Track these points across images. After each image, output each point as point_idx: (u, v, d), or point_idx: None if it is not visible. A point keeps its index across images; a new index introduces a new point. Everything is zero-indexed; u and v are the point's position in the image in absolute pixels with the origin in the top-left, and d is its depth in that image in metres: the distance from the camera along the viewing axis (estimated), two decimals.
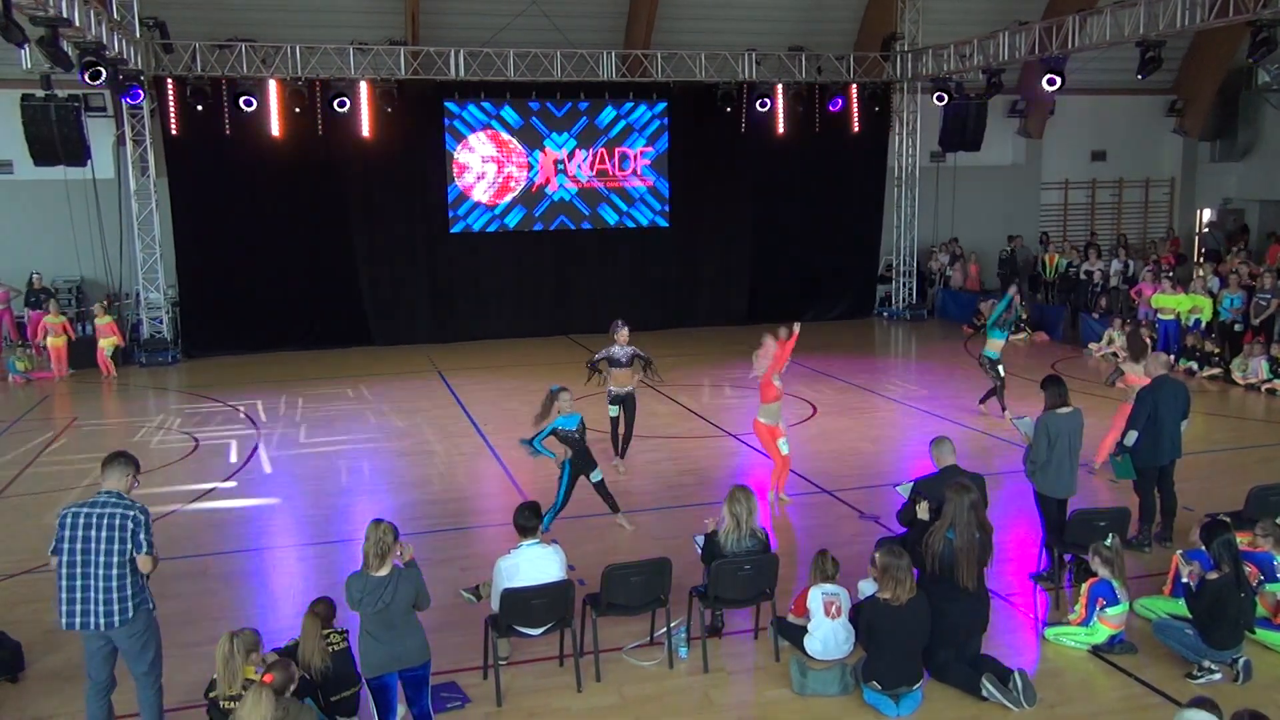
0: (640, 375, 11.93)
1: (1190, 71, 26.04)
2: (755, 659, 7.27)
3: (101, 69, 15.21)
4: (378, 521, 5.99)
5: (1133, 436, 9.07)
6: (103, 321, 18.45)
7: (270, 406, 15.54)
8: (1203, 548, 7.45)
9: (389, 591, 5.83)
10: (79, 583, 5.85)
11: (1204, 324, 17.46)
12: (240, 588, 8.70)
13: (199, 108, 18.89)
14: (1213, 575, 6.97)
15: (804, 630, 7.27)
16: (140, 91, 18.10)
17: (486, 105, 21.04)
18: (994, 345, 13.73)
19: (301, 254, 20.30)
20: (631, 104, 21.82)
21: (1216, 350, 16.83)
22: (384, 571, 5.87)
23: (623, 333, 11.89)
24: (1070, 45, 18.36)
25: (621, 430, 11.95)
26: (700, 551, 7.60)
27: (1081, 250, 22.40)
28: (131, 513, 5.92)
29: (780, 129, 22.17)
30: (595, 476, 9.83)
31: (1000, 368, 13.81)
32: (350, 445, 13.35)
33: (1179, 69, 26.13)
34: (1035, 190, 26.40)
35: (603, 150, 21.90)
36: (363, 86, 19.48)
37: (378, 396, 16.30)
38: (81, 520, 5.88)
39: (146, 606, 6.08)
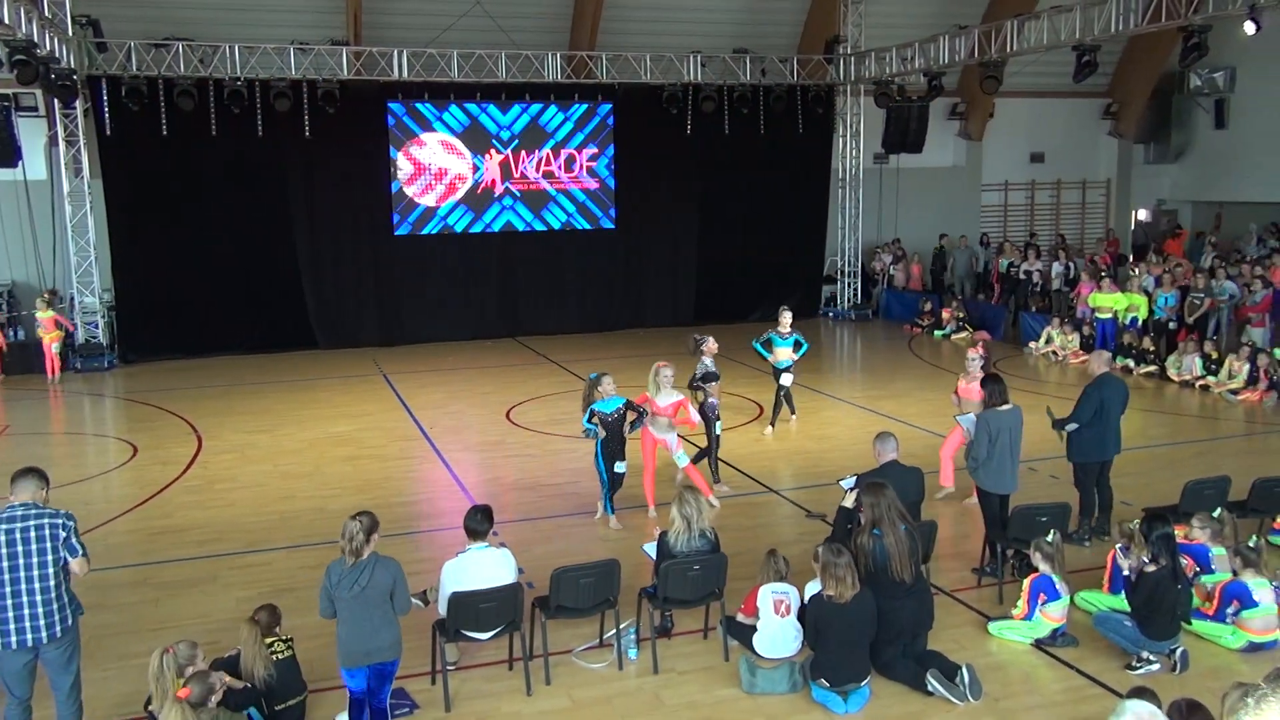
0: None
1: (1125, 75, 26.62)
2: (704, 659, 7.31)
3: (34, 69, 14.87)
4: (354, 516, 6.05)
5: (1072, 426, 9.26)
6: (45, 316, 17.95)
7: (211, 411, 15.30)
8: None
9: (365, 574, 5.88)
10: (9, 600, 5.69)
11: (1140, 322, 17.87)
12: (182, 597, 8.55)
13: (134, 108, 18.53)
14: (1150, 568, 7.13)
15: (753, 629, 7.33)
16: (76, 103, 17.79)
17: (430, 106, 20.90)
18: (781, 355, 13.19)
19: (242, 256, 19.99)
20: (577, 105, 21.80)
21: (1152, 348, 17.22)
22: (360, 560, 5.95)
23: (710, 343, 11.42)
24: (1009, 49, 18.70)
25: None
26: (652, 557, 7.62)
27: (1022, 250, 22.79)
28: (59, 519, 5.80)
29: (726, 130, 22.29)
30: (619, 468, 9.86)
31: (785, 377, 13.21)
32: (294, 450, 13.20)
33: (1114, 73, 26.70)
34: (976, 191, 26.82)
35: (548, 152, 21.85)
36: (303, 87, 19.25)
37: (322, 400, 16.12)
38: (3, 537, 5.70)
39: (79, 615, 5.98)
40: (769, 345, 13.22)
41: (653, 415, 10.19)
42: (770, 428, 13.44)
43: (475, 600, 6.66)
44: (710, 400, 11.10)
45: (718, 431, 11.22)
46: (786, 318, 13.25)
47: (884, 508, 6.86)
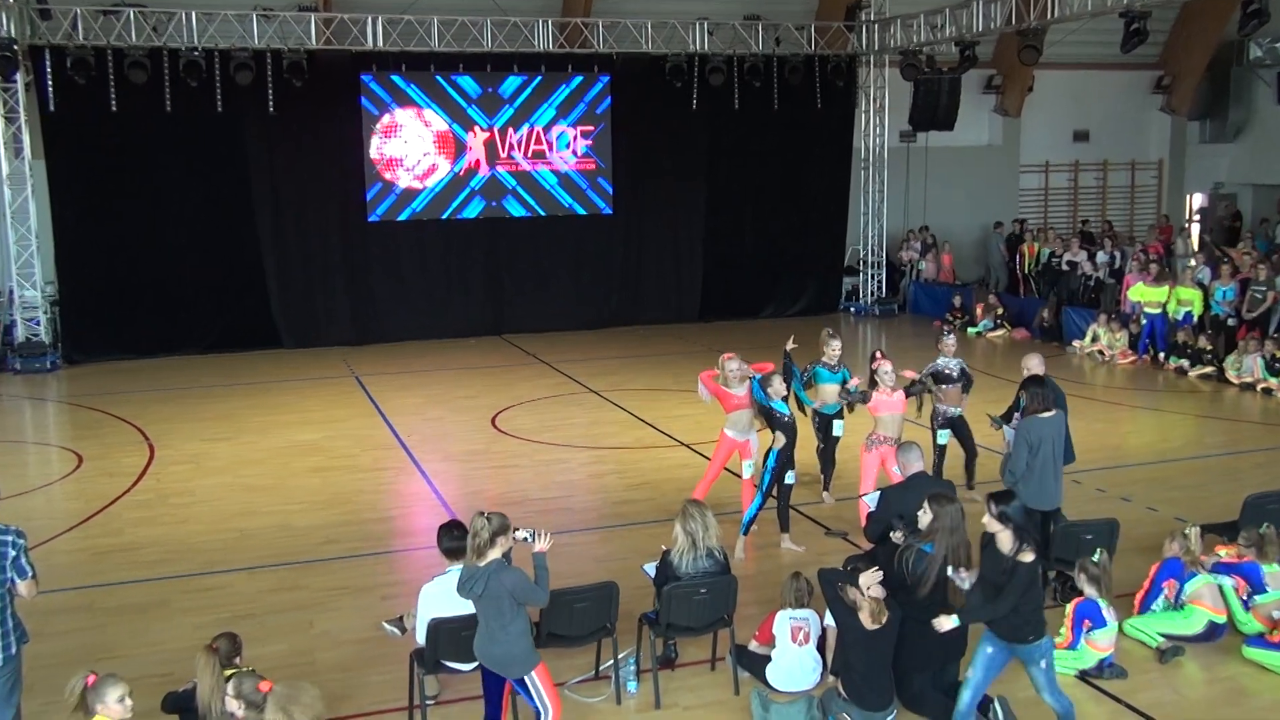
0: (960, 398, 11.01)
1: (1178, 45, 26.57)
2: (712, 692, 7.29)
3: None
4: (480, 513, 6.26)
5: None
6: None
7: (164, 417, 15.27)
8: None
9: (480, 583, 6.10)
10: None
11: (1195, 318, 17.80)
12: (131, 624, 8.53)
13: (81, 81, 18.49)
14: (1029, 556, 6.24)
15: (766, 659, 7.30)
16: (17, 76, 17.76)
17: (408, 79, 20.88)
18: (828, 395, 10.98)
19: (199, 246, 19.98)
20: (570, 78, 21.78)
21: (1209, 347, 17.16)
22: (482, 564, 6.14)
23: (947, 341, 10.99)
24: (1049, 15, 18.65)
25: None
26: (651, 578, 7.59)
27: (1065, 239, 22.72)
28: (8, 537, 5.80)
29: (736, 105, 22.25)
30: (790, 479, 9.74)
31: (836, 425, 11.05)
32: (255, 461, 13.18)
33: (1166, 43, 26.64)
34: (1014, 173, 26.79)
35: (539, 129, 21.83)
36: (267, 58, 19.22)
37: (287, 405, 16.10)
38: None
39: (24, 643, 5.96)
40: (812, 384, 10.97)
41: (729, 414, 10.03)
42: (826, 492, 11.39)
43: (456, 628, 6.63)
44: (939, 407, 10.86)
45: (942, 441, 10.97)
46: (835, 347, 10.97)
47: (948, 520, 6.71)
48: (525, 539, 6.27)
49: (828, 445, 11.22)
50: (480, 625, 6.27)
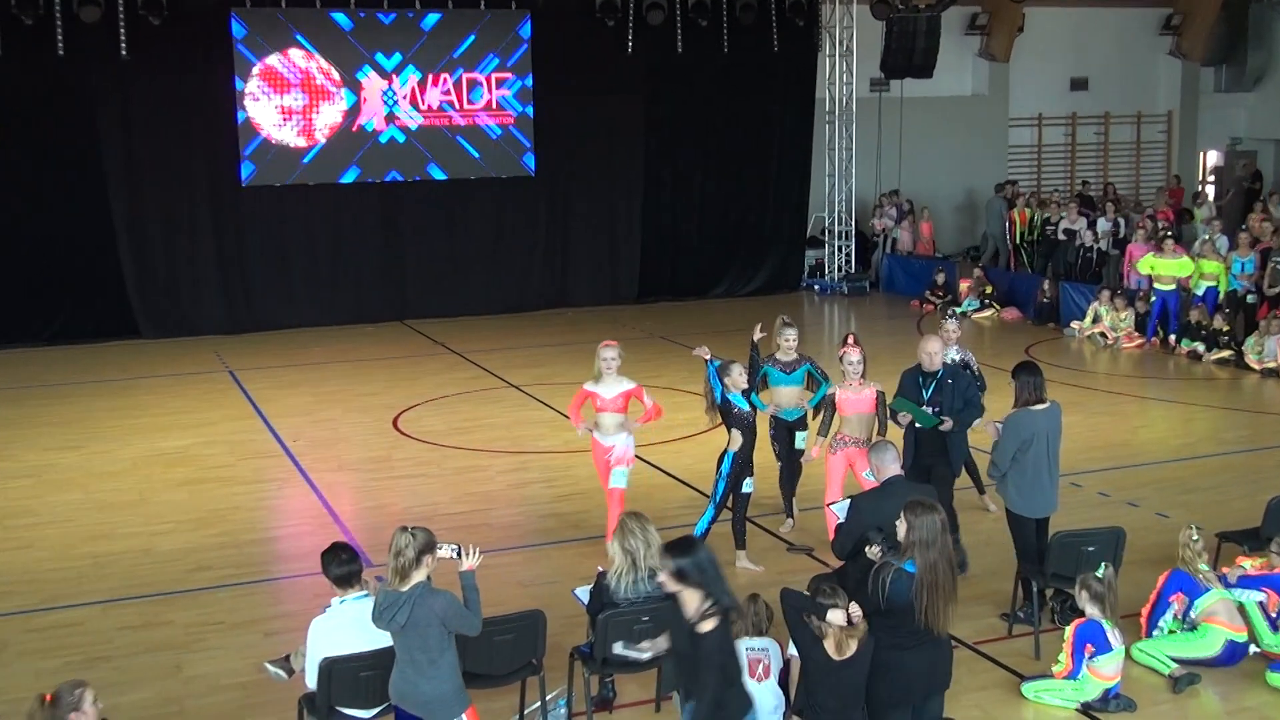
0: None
1: None
2: None
3: None
4: (404, 529, 6.20)
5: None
6: None
7: (0, 422, 15.11)
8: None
9: (404, 611, 6.05)
10: None
11: (1220, 294, 18.03)
12: None
13: None
14: (705, 626, 5.77)
15: None
16: None
17: (289, 16, 20.69)
18: (785, 399, 10.66)
19: (38, 218, 19.64)
20: (484, 16, 21.71)
21: (1226, 328, 17.46)
22: (405, 587, 6.12)
23: (949, 326, 10.86)
24: None
25: None
26: (585, 604, 7.60)
27: (1061, 203, 23.00)
28: None
29: (679, 49, 22.29)
30: (748, 487, 9.82)
31: (798, 436, 10.73)
32: (111, 473, 13.03)
33: None
34: (1002, 128, 27.11)
35: (445, 77, 21.74)
36: None
37: (148, 406, 15.94)
38: None
39: None
40: (764, 385, 10.62)
41: (596, 413, 10.10)
42: (790, 519, 10.95)
43: (353, 667, 6.60)
44: None
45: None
46: (789, 337, 10.65)
47: (925, 532, 6.73)
48: (451, 555, 6.27)
49: (789, 458, 10.87)
50: (401, 661, 6.21)
